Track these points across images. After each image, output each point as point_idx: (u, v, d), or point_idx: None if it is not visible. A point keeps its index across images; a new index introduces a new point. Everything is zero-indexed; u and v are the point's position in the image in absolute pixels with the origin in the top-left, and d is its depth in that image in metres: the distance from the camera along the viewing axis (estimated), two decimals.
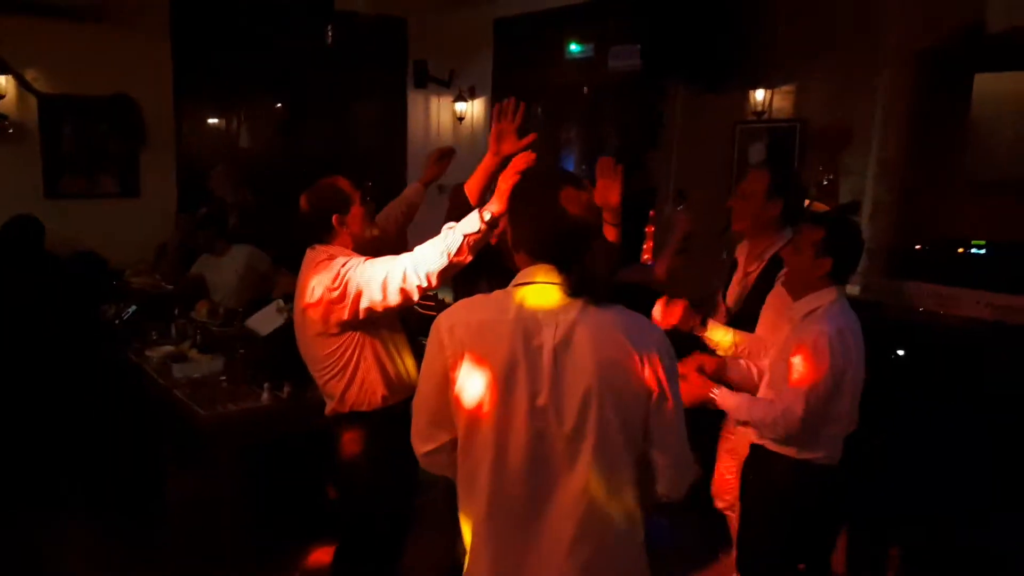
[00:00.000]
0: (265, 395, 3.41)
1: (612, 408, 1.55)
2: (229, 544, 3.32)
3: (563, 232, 1.61)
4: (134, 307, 4.41)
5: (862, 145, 4.74)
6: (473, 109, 7.41)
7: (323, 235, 2.65)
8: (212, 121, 6.93)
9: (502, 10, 7.02)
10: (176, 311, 4.34)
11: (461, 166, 7.12)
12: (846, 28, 4.77)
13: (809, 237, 2.44)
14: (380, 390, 2.63)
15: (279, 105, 7.21)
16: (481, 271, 2.46)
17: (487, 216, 2.32)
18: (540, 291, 1.60)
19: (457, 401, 1.60)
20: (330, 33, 6.46)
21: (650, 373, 1.58)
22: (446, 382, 1.61)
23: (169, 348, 3.97)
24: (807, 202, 4.25)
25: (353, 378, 2.61)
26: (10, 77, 5.54)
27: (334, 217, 2.62)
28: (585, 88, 6.66)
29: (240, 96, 6.88)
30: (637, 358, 1.57)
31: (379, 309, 2.48)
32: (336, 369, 2.61)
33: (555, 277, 1.60)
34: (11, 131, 5.60)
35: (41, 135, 5.75)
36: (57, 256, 4.78)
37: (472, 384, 1.57)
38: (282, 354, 3.23)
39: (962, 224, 4.31)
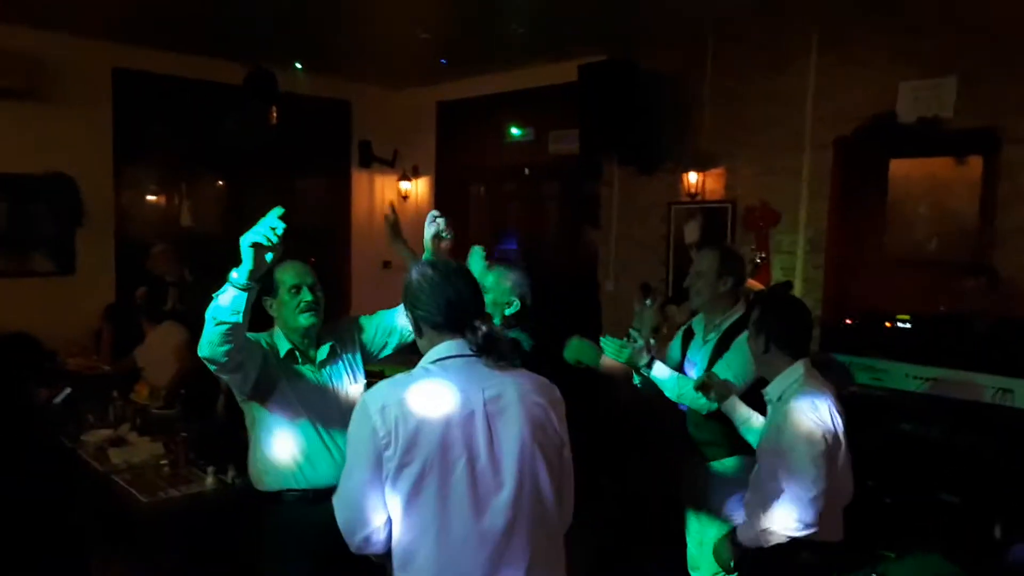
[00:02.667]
0: (209, 479, 3.34)
1: (542, 458, 1.71)
2: None
3: (460, 304, 1.75)
4: (68, 389, 4.27)
5: (791, 224, 5.00)
6: (417, 188, 7.55)
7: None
8: (152, 199, 6.88)
9: (444, 93, 7.26)
10: (114, 393, 4.22)
11: (408, 241, 7.18)
12: (770, 115, 5.10)
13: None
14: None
15: (221, 183, 7.21)
16: None
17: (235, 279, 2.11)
18: (456, 363, 1.72)
19: (395, 479, 1.63)
20: (274, 113, 6.54)
21: (559, 424, 1.77)
22: (380, 463, 1.63)
23: (107, 432, 3.85)
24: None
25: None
26: None
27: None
28: (526, 169, 6.88)
29: (182, 174, 6.86)
30: (552, 412, 1.76)
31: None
32: None
33: (464, 348, 1.73)
34: None
35: None
36: None
37: (410, 458, 1.61)
38: (226, 436, 3.19)
39: (886, 298, 4.56)
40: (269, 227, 2.03)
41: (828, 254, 4.86)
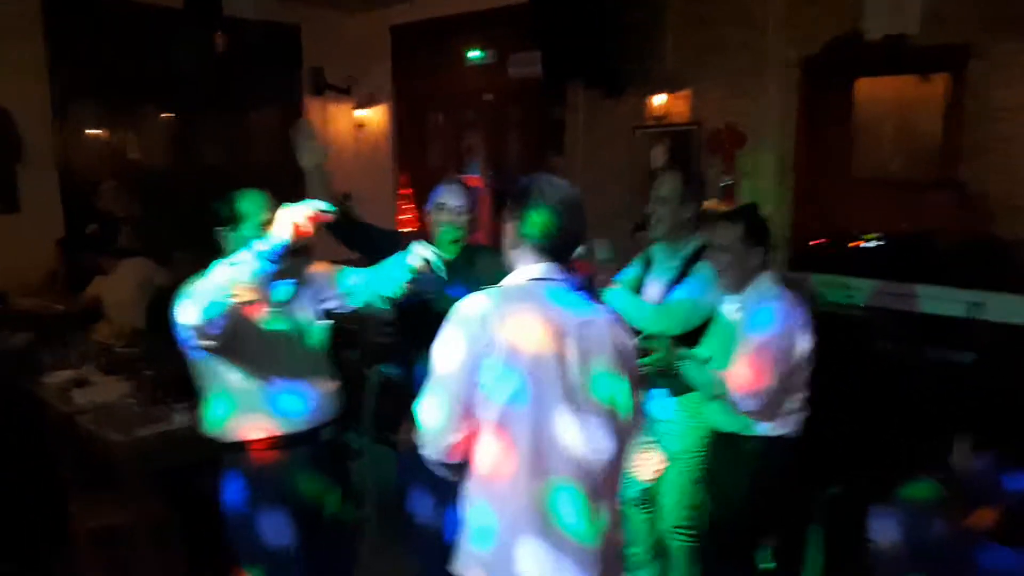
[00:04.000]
0: (178, 417, 3.26)
1: (627, 387, 1.78)
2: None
3: (569, 233, 1.79)
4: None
5: (758, 146, 4.98)
6: (374, 117, 7.33)
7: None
8: (96, 132, 6.55)
9: (398, 16, 6.98)
10: (75, 334, 4.08)
11: (362, 173, 7.05)
12: (735, 35, 5.01)
13: (734, 234, 2.55)
14: None
15: (169, 115, 6.90)
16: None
17: (267, 250, 2.03)
18: (551, 286, 1.76)
19: (492, 389, 1.65)
20: (219, 40, 6.24)
21: (634, 358, 1.86)
22: (476, 371, 1.65)
23: (69, 373, 3.73)
24: (710, 204, 4.42)
25: None
26: None
27: None
28: (487, 95, 6.70)
29: (126, 106, 6.53)
30: (631, 344, 1.84)
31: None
32: None
33: (559, 274, 1.79)
34: None
35: None
36: None
37: (508, 371, 1.65)
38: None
39: (854, 218, 4.61)
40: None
41: (795, 175, 4.87)
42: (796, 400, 2.62)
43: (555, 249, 1.78)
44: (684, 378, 2.68)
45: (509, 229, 1.82)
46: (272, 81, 7.19)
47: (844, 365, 3.44)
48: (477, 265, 2.92)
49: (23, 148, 5.77)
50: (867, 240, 4.22)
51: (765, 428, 2.61)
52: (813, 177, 4.88)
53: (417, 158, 7.26)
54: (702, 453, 2.91)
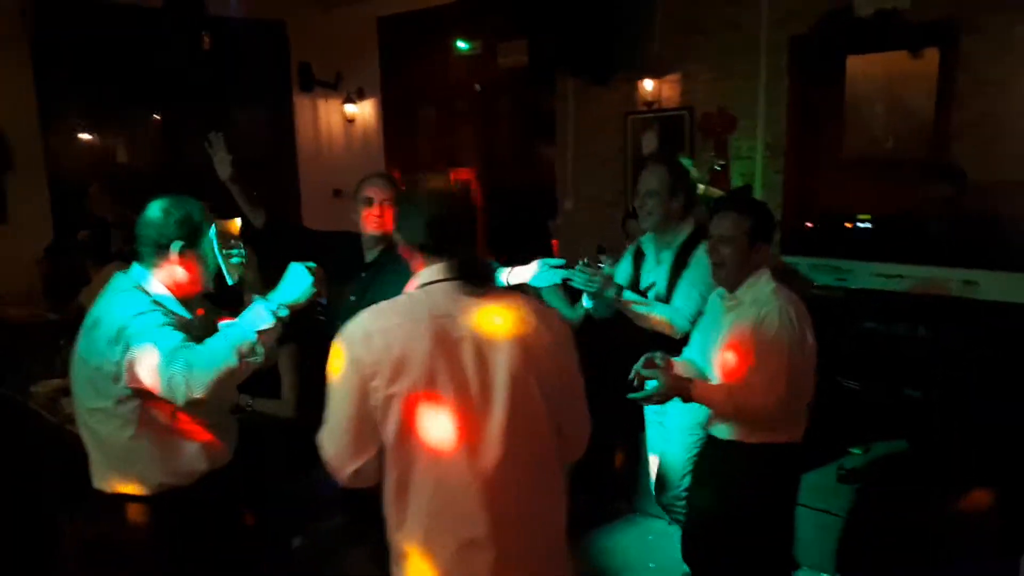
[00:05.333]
0: None
1: (537, 388, 1.65)
2: None
3: (446, 221, 1.70)
4: None
5: (749, 129, 4.92)
6: (363, 111, 7.27)
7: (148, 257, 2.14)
8: (85, 138, 6.52)
9: (384, 8, 6.91)
10: (62, 341, 4.04)
11: (353, 169, 7.02)
12: (725, 17, 4.95)
13: (740, 227, 2.44)
14: None
15: (156, 117, 6.86)
16: None
17: (283, 313, 2.02)
18: (442, 288, 1.66)
19: (384, 409, 1.58)
20: (206, 39, 6.19)
21: (559, 351, 1.71)
22: (366, 393, 1.59)
23: (57, 381, 3.69)
24: (701, 188, 4.36)
25: None
26: None
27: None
28: (476, 85, 6.64)
29: (113, 110, 6.49)
30: (549, 338, 1.69)
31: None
32: None
33: (450, 272, 1.68)
34: None
35: None
36: None
37: (398, 388, 1.57)
38: None
39: (846, 199, 4.55)
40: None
41: (787, 157, 4.81)
42: (804, 404, 2.49)
43: (440, 248, 1.69)
44: (697, 401, 2.47)
45: (400, 244, 1.76)
46: (260, 78, 7.14)
47: (838, 347, 3.41)
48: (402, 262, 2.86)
49: (12, 157, 5.74)
50: (861, 221, 4.16)
51: (766, 436, 2.45)
52: (805, 159, 4.82)
53: (408, 151, 7.21)
54: (695, 454, 2.87)
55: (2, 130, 5.67)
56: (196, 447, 2.14)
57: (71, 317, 4.55)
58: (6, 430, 3.70)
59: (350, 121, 7.34)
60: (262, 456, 2.83)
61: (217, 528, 2.26)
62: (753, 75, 4.86)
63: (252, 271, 2.95)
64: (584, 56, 5.38)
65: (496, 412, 1.61)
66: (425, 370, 1.58)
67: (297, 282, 2.06)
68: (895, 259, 3.58)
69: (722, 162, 5.01)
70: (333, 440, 1.66)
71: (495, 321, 1.64)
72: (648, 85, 5.35)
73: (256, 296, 2.09)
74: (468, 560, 1.61)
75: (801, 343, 2.37)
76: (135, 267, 2.14)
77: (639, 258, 3.16)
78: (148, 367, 1.94)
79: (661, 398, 2.44)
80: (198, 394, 1.90)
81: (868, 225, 3.99)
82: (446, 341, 1.60)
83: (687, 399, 2.43)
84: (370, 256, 2.90)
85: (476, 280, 1.70)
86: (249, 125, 7.42)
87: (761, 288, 2.45)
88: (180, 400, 1.92)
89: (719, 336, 2.51)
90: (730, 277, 2.48)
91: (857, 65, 4.70)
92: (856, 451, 3.48)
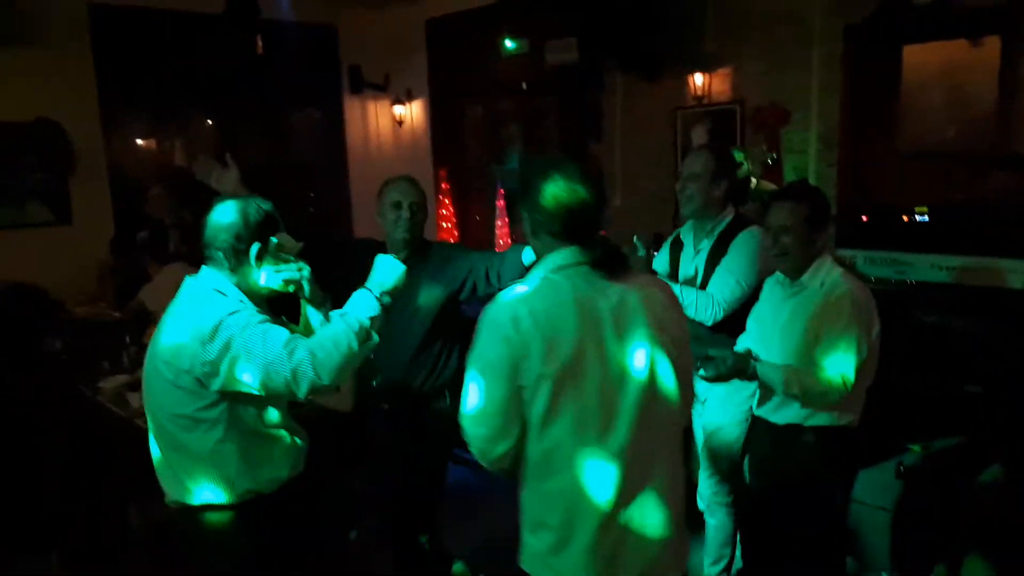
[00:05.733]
0: None
1: (667, 361, 1.72)
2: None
3: (579, 210, 1.69)
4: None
5: (802, 121, 4.85)
6: (412, 112, 7.35)
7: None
8: (143, 140, 6.71)
9: (433, 10, 6.97)
10: (126, 339, 4.18)
11: (402, 169, 7.07)
12: (777, 8, 4.88)
13: (797, 215, 2.45)
14: None
15: (209, 122, 7.03)
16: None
17: (386, 300, 2.07)
18: (578, 271, 1.69)
19: (534, 389, 1.62)
20: (259, 43, 6.32)
21: (678, 323, 1.80)
22: (517, 375, 1.62)
23: (123, 377, 3.83)
24: (753, 181, 4.33)
25: None
26: None
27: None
28: (523, 84, 6.66)
29: (171, 113, 6.68)
30: (673, 312, 1.80)
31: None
32: None
33: (585, 256, 1.71)
34: None
35: None
36: None
37: (548, 368, 1.61)
38: None
39: (902, 192, 4.46)
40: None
41: (841, 150, 4.72)
42: (865, 386, 2.49)
43: (573, 231, 1.70)
44: (761, 379, 2.50)
45: (524, 221, 1.78)
46: (311, 81, 7.26)
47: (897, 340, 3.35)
48: (431, 263, 2.90)
49: (75, 159, 5.94)
50: (919, 214, 4.07)
51: (826, 418, 2.46)
52: (860, 151, 4.74)
53: (456, 152, 7.27)
54: (744, 434, 2.85)
55: (67, 134, 5.86)
56: (280, 450, 2.15)
57: (132, 316, 4.71)
58: (80, 424, 3.83)
59: (399, 122, 7.42)
60: (319, 449, 2.90)
61: (297, 532, 2.28)
62: (806, 67, 4.78)
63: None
64: (634, 52, 5.36)
65: (637, 391, 1.67)
66: (573, 351, 1.61)
67: (390, 270, 2.11)
68: (954, 251, 3.50)
69: (774, 156, 4.94)
70: (482, 423, 1.68)
71: (632, 302, 1.69)
72: (698, 79, 5.31)
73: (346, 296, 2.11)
74: (609, 535, 1.67)
75: (870, 324, 2.39)
76: (207, 271, 2.10)
77: (677, 248, 3.13)
78: (257, 363, 1.91)
79: (729, 374, 2.48)
80: (326, 380, 1.92)
81: (925, 218, 3.91)
82: (591, 322, 1.64)
83: (751, 377, 2.46)
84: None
85: (610, 262, 1.73)
86: (300, 127, 7.56)
87: (828, 271, 2.47)
88: (303, 390, 1.92)
89: (782, 321, 2.51)
90: (794, 264, 2.50)
91: (914, 54, 4.60)
92: (915, 448, 3.41)
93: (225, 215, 2.08)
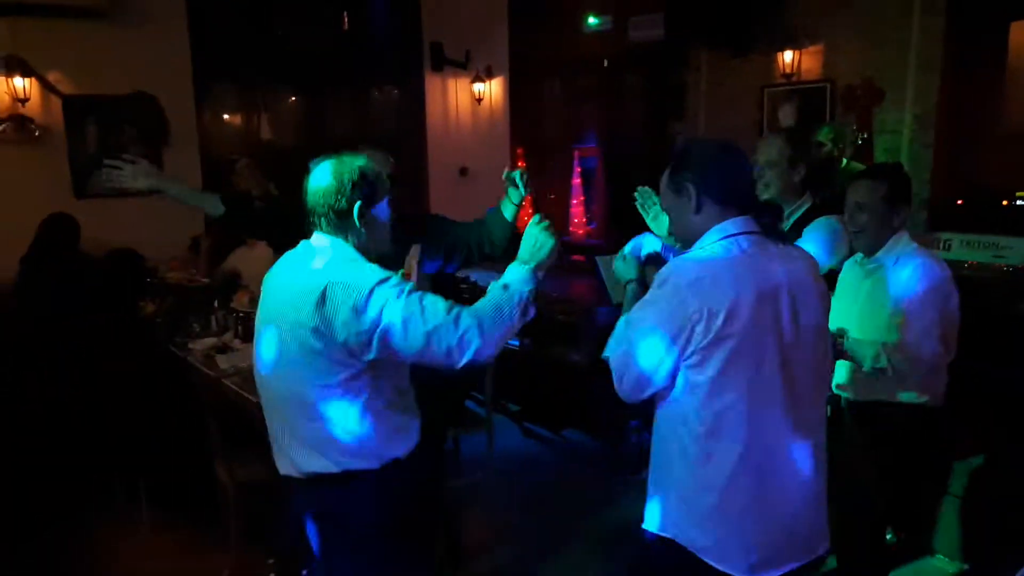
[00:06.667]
0: None
1: (826, 330, 1.81)
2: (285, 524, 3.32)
3: (745, 180, 1.79)
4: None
5: (896, 101, 4.67)
6: (491, 89, 7.37)
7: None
8: (231, 115, 6.92)
9: None
10: (215, 303, 4.34)
11: (481, 146, 7.08)
12: None
13: (875, 192, 2.43)
14: None
15: (294, 99, 7.19)
16: None
17: (540, 274, 2.04)
18: (750, 239, 1.72)
19: (710, 349, 1.64)
20: (345, 19, 6.43)
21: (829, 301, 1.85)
22: (682, 334, 1.64)
23: (212, 340, 3.97)
24: (844, 162, 4.20)
25: None
26: (34, 80, 5.55)
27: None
28: (605, 61, 6.59)
29: (259, 88, 6.86)
30: (823, 284, 1.82)
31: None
32: None
33: (754, 224, 1.75)
34: (37, 134, 5.61)
35: (67, 136, 5.76)
36: (90, 255, 4.79)
37: (726, 332, 1.62)
38: None
39: (1002, 175, 4.26)
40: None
41: (938, 130, 4.54)
42: (948, 361, 2.46)
43: (740, 199, 1.75)
44: (847, 353, 2.45)
45: (687, 194, 1.78)
46: (394, 58, 7.34)
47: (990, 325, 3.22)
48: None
49: (169, 132, 6.16)
50: (1020, 199, 3.89)
51: (910, 396, 2.44)
52: (958, 132, 4.54)
53: (534, 130, 7.26)
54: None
55: (161, 106, 6.08)
56: (412, 417, 2.15)
57: (219, 282, 4.88)
58: (173, 382, 4.00)
59: (478, 100, 7.45)
60: None
61: (427, 497, 2.32)
62: (904, 43, 4.60)
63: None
64: (722, 28, 5.25)
65: (806, 359, 1.71)
66: (751, 317, 1.63)
67: (541, 242, 2.07)
68: None
69: (864, 135, 4.78)
70: (634, 364, 1.71)
71: (800, 271, 1.73)
72: (787, 56, 5.17)
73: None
74: (768, 506, 1.69)
75: (949, 296, 2.37)
76: (321, 237, 2.03)
77: None
78: (418, 331, 1.87)
79: None
80: (492, 349, 1.91)
81: None
82: (767, 290, 1.66)
83: (839, 355, 2.41)
84: None
85: (774, 231, 1.77)
86: (382, 104, 7.65)
87: (904, 247, 2.44)
88: (466, 357, 1.89)
89: (861, 299, 2.49)
90: (870, 242, 2.49)
91: (1021, 31, 4.37)
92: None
93: (321, 179, 2.02)
